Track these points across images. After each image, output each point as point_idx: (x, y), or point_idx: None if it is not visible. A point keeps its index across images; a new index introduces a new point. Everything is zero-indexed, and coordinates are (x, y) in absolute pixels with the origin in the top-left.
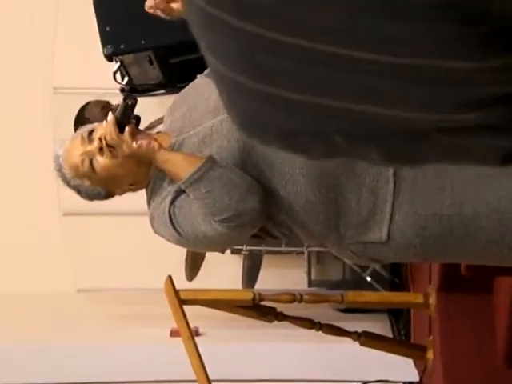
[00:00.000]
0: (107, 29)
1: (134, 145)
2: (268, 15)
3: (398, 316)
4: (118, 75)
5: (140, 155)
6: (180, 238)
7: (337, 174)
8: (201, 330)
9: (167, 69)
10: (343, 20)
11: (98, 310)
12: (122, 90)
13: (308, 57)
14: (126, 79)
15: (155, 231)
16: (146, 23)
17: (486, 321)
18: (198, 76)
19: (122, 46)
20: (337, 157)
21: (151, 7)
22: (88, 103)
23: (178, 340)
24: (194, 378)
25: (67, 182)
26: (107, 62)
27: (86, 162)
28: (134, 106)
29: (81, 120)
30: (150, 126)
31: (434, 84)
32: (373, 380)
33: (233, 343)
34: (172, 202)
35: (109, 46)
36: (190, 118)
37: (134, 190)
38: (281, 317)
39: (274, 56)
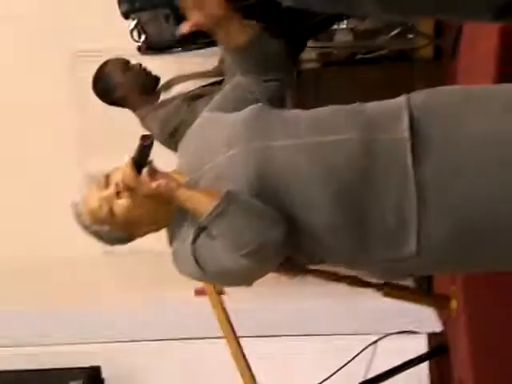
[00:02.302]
0: None
1: (153, 185)
2: None
3: None
4: (136, 33)
5: (159, 195)
6: (206, 276)
7: (357, 189)
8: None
9: None
10: None
11: (122, 273)
12: (139, 49)
13: None
14: (144, 37)
15: (180, 273)
16: None
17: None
18: (204, 111)
19: (136, 4)
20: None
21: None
22: (106, 62)
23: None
24: (221, 334)
25: (87, 229)
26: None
27: (104, 207)
28: (150, 146)
29: (101, 78)
30: (168, 85)
31: None
32: (395, 331)
33: (256, 300)
34: (194, 241)
35: (124, 4)
36: (203, 154)
37: (155, 231)
38: (304, 271)
39: None
